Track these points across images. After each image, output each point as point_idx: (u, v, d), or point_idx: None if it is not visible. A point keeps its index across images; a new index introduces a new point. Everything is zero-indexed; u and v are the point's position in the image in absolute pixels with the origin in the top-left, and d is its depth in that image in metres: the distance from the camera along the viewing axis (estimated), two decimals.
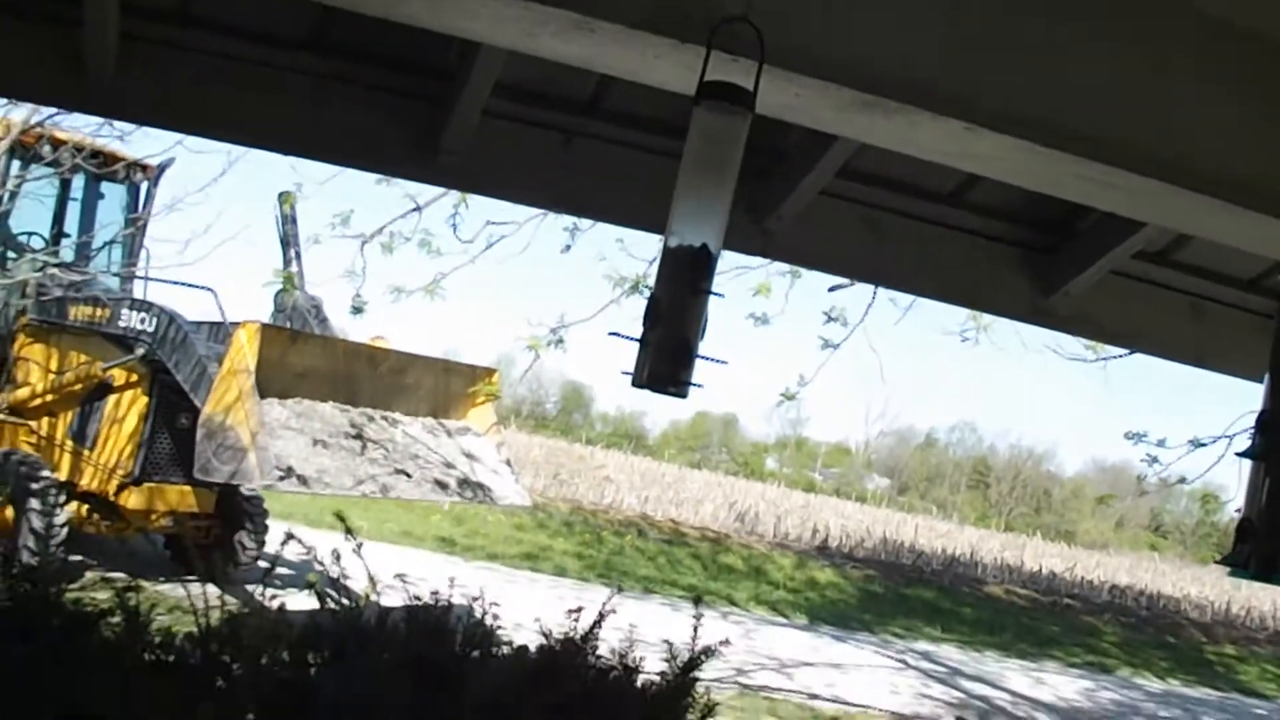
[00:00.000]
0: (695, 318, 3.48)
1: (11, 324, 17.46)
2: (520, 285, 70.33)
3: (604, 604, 5.89)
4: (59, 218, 18.25)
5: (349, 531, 6.23)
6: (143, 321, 16.19)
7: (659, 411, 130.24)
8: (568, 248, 14.09)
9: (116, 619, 5.48)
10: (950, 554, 39.42)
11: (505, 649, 5.82)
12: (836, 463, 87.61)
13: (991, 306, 6.99)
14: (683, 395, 3.50)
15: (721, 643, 6.06)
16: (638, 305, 13.46)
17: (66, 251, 18.05)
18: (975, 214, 5.86)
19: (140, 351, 16.20)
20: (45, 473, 16.31)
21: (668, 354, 3.45)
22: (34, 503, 15.76)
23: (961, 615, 31.78)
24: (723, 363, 3.49)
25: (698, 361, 3.49)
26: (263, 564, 18.06)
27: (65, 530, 15.86)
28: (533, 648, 5.84)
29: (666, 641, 5.96)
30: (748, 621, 25.47)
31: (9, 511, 15.90)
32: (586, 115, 5.13)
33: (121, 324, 16.26)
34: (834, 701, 18.91)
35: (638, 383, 3.47)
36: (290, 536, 6.12)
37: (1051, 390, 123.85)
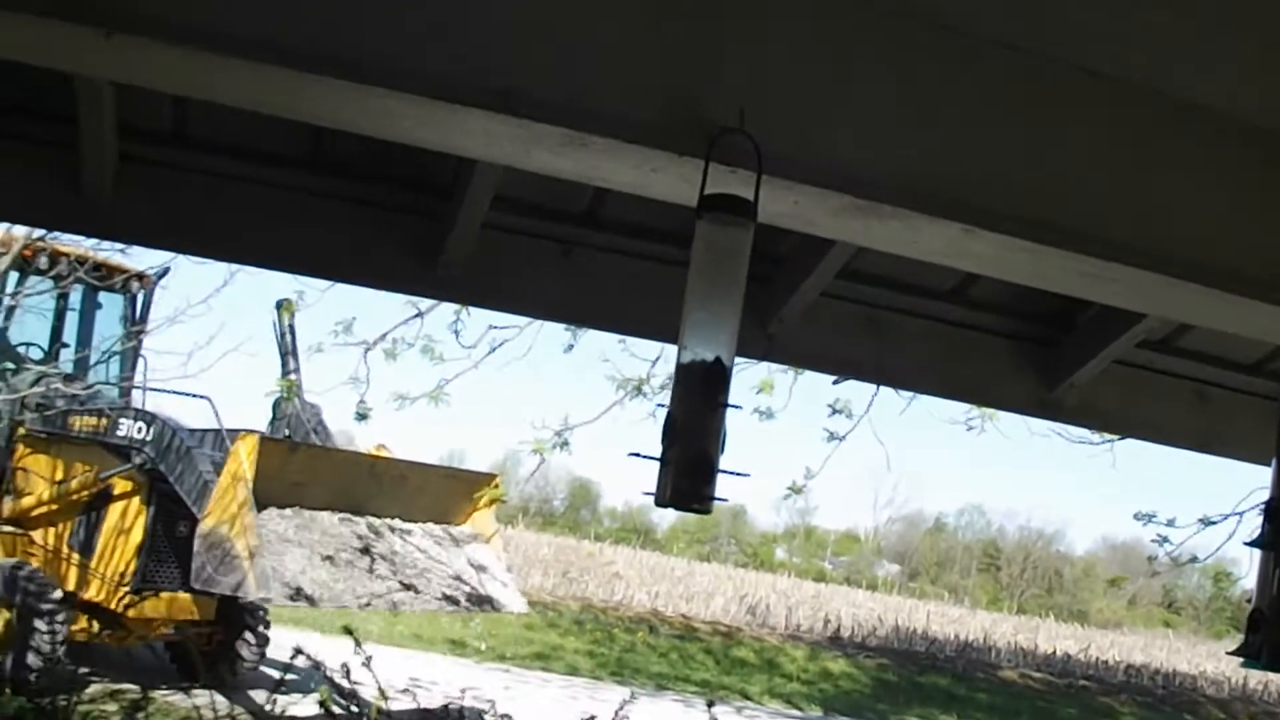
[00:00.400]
0: (714, 432, 3.48)
1: (11, 435, 17.48)
2: (524, 387, 70.36)
3: (617, 711, 5.86)
4: (58, 329, 18.50)
5: (358, 644, 6.21)
6: (140, 431, 16.30)
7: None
8: (570, 348, 14.21)
9: None
10: (963, 639, 39.31)
11: None
12: (846, 550, 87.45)
13: (998, 402, 6.97)
14: (706, 511, 3.50)
15: None
16: (641, 406, 13.54)
17: (66, 363, 18.34)
18: (977, 310, 5.86)
19: (138, 460, 16.30)
20: (54, 592, 16.28)
21: (688, 471, 3.45)
22: (40, 622, 15.82)
23: (976, 701, 31.64)
24: (745, 475, 3.49)
25: (719, 475, 3.49)
26: (265, 670, 18.47)
27: (64, 646, 16.07)
28: None
29: None
30: (762, 716, 25.43)
31: (9, 623, 15.92)
32: (585, 225, 5.15)
33: (121, 433, 16.37)
34: None
35: (660, 502, 3.46)
36: (299, 652, 6.12)
37: (1058, 471, 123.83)
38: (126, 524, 17.07)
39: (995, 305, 5.89)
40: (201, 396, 17.14)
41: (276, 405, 17.19)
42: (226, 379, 17.10)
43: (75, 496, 17.22)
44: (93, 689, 15.61)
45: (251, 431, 15.42)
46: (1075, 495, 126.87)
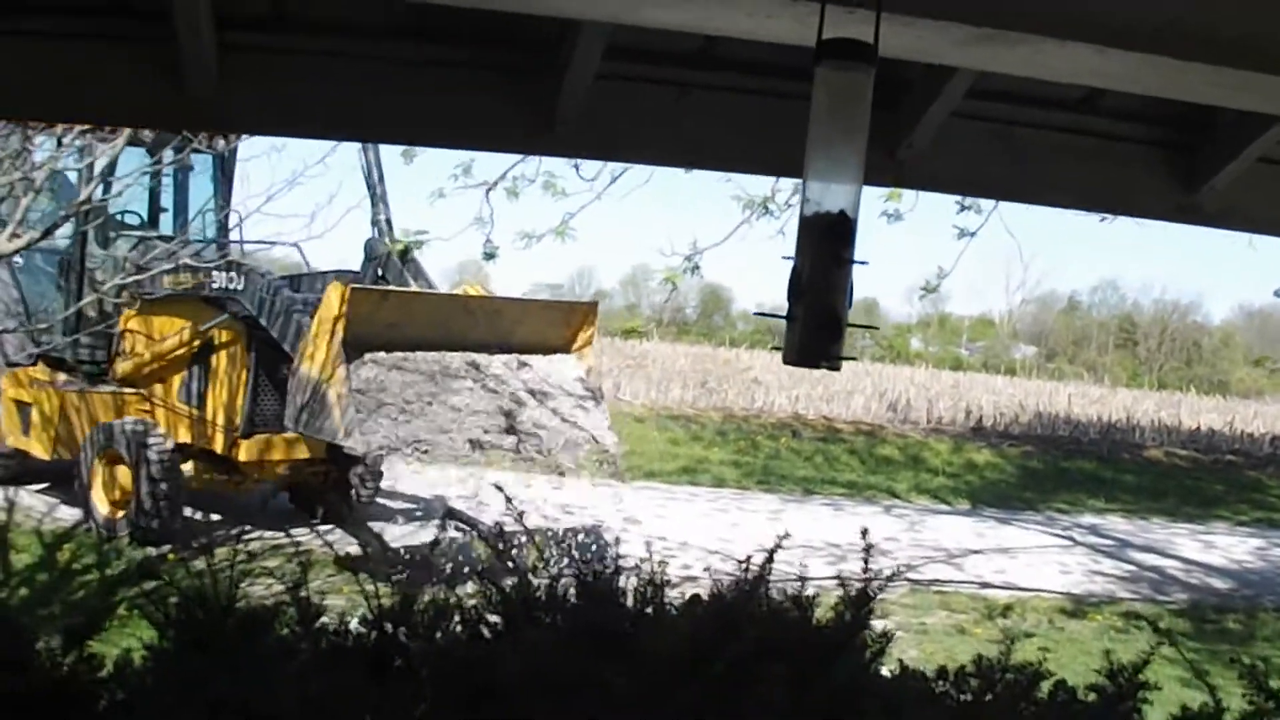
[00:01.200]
0: (840, 289, 3.39)
1: (117, 300, 18.16)
2: (647, 210, 70.32)
3: (773, 548, 5.79)
4: (155, 194, 19.28)
5: (509, 501, 6.18)
6: (231, 281, 17.00)
7: None
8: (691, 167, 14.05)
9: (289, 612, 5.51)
10: (1106, 420, 39.10)
11: (677, 600, 5.75)
12: (981, 336, 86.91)
13: (1135, 210, 6.80)
14: (835, 369, 3.43)
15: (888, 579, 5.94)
16: (768, 226, 13.40)
17: (165, 225, 19.30)
18: (1110, 119, 5.68)
19: (233, 309, 17.16)
20: (157, 436, 17.52)
21: (816, 328, 3.37)
22: (150, 467, 17.08)
23: (1124, 483, 31.54)
24: (874, 329, 3.42)
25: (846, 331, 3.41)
26: (383, 503, 19.65)
27: (181, 493, 17.52)
28: (704, 595, 5.78)
29: (838, 578, 5.84)
30: (910, 513, 25.47)
31: (128, 477, 17.31)
32: (699, 67, 5.03)
33: (214, 286, 17.10)
34: (1005, 588, 18.83)
35: (789, 360, 3.40)
36: (451, 514, 6.09)
37: (1191, 239, 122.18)
38: (231, 372, 18.05)
39: (1129, 113, 5.71)
40: (292, 244, 18.22)
41: (368, 246, 17.42)
42: (353, 235, 17.31)
43: (181, 352, 18.14)
44: (254, 544, 16.13)
45: (345, 273, 16.37)
46: (1210, 263, 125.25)
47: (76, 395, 18.88)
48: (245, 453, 18.19)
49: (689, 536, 19.34)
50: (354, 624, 5.53)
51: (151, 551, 16.46)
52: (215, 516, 18.57)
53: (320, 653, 5.42)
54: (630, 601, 5.62)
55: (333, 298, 14.41)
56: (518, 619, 5.55)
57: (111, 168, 15.93)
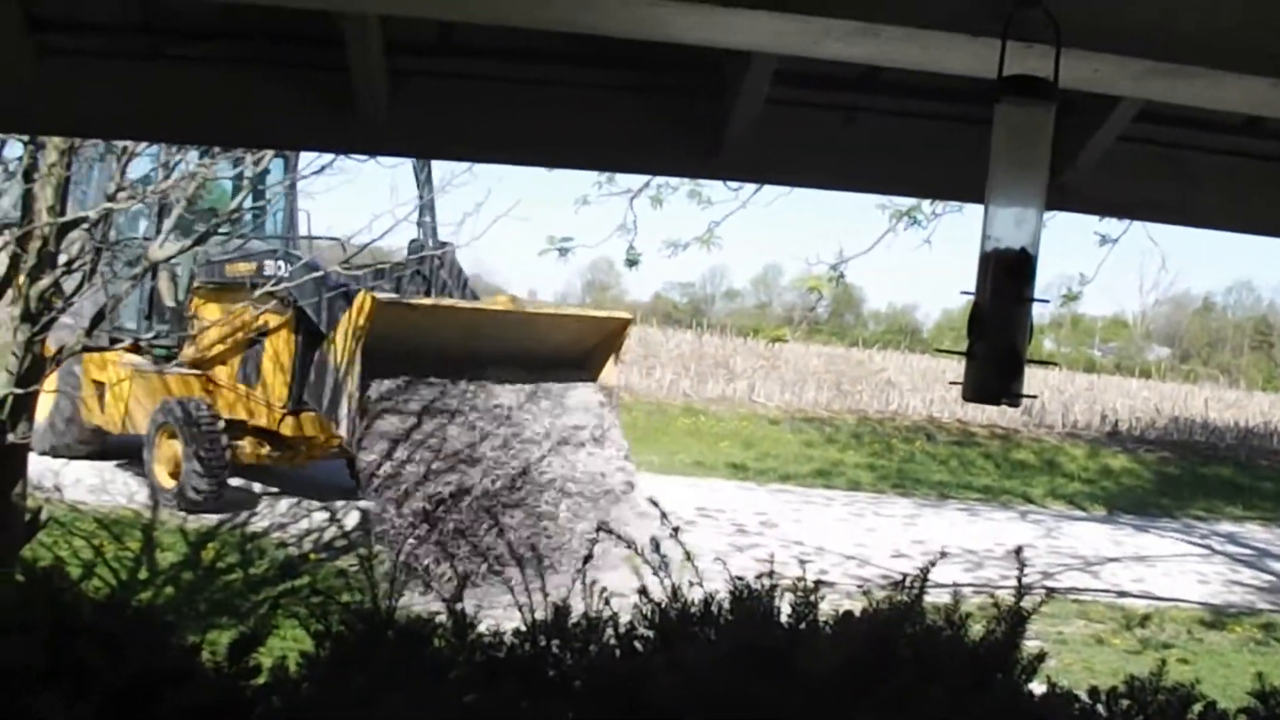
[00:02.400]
0: (1021, 326, 3.40)
1: (189, 289, 20.18)
2: (781, 214, 70.17)
3: (926, 567, 5.76)
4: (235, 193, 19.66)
5: (663, 516, 6.19)
6: (279, 268, 18.44)
7: (931, 302, 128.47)
8: None
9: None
10: (1243, 426, 38.61)
11: (830, 617, 5.73)
12: (1114, 336, 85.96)
13: None
14: (1015, 405, 3.43)
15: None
16: (914, 236, 13.35)
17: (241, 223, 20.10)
18: (1273, 140, 5.62)
19: (281, 296, 17.79)
20: (205, 412, 19.32)
21: (996, 365, 3.38)
22: (198, 441, 19.03)
23: (1262, 490, 31.15)
24: (1054, 365, 3.41)
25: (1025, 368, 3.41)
26: None
27: (227, 464, 19.41)
28: (857, 612, 5.76)
29: (990, 593, 5.81)
30: (1046, 519, 25.26)
31: (177, 452, 19.35)
32: (865, 90, 5.03)
33: (267, 273, 18.28)
34: (1143, 598, 18.62)
35: (968, 396, 3.41)
36: (603, 527, 6.09)
37: None
38: (280, 354, 19.38)
39: None
40: (334, 239, 18.95)
41: (412, 247, 18.86)
42: (500, 244, 18.14)
43: (239, 336, 19.59)
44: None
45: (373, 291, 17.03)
46: None
47: (144, 376, 20.27)
48: (290, 428, 19.59)
49: (825, 541, 19.31)
50: (508, 636, 5.57)
51: (292, 552, 16.71)
52: (257, 487, 21.19)
53: (475, 665, 5.46)
54: (785, 617, 5.62)
55: (361, 306, 16.02)
56: (672, 634, 5.56)
57: (261, 177, 16.30)
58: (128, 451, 21.19)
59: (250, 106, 4.82)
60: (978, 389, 3.41)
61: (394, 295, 17.37)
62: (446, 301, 18.23)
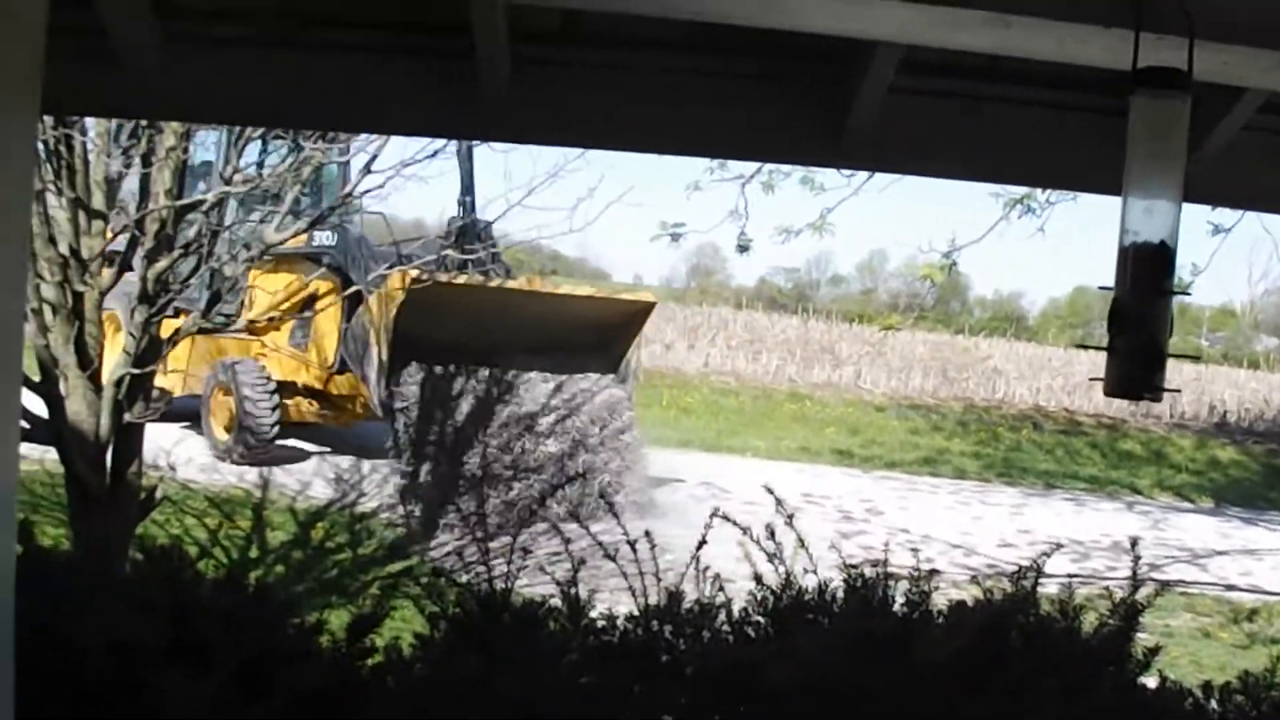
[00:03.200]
0: (1162, 319, 3.37)
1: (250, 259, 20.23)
2: (888, 200, 69.53)
3: (1037, 559, 5.73)
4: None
5: (779, 503, 6.19)
6: (327, 238, 19.75)
7: (1037, 289, 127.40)
8: None
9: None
10: None
11: (942, 606, 5.70)
12: (1222, 326, 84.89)
13: None
14: (1157, 399, 3.41)
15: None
16: (1028, 223, 13.25)
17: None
18: None
19: (326, 261, 19.09)
20: (256, 372, 20.94)
21: (1138, 360, 3.35)
22: (249, 398, 20.73)
23: None
24: (1197, 359, 3.39)
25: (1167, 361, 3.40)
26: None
27: (277, 419, 21.07)
28: (970, 602, 5.74)
29: (1101, 585, 5.77)
30: (1153, 510, 25.01)
31: (231, 409, 21.04)
32: (989, 79, 5.00)
33: (315, 243, 19.51)
34: (1252, 591, 18.38)
35: (1109, 391, 3.39)
36: (718, 514, 6.09)
37: None
38: (327, 318, 20.73)
39: None
40: (376, 213, 20.34)
41: (451, 223, 20.05)
42: (612, 229, 18.53)
43: (290, 302, 20.35)
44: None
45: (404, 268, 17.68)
46: None
47: (204, 340, 21.01)
48: (336, 387, 21.40)
49: (931, 529, 19.21)
50: (621, 620, 5.58)
51: (402, 534, 16.86)
52: (307, 446, 22.77)
53: (589, 649, 5.48)
54: (898, 606, 5.60)
55: (394, 281, 17.36)
56: (786, 622, 5.56)
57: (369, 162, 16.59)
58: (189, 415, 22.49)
59: (375, 93, 4.86)
60: (1120, 383, 3.39)
61: (426, 273, 17.83)
62: (476, 281, 19.05)
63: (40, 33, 3.47)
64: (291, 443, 22.22)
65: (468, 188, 19.93)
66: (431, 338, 18.08)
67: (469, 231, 19.76)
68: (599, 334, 19.72)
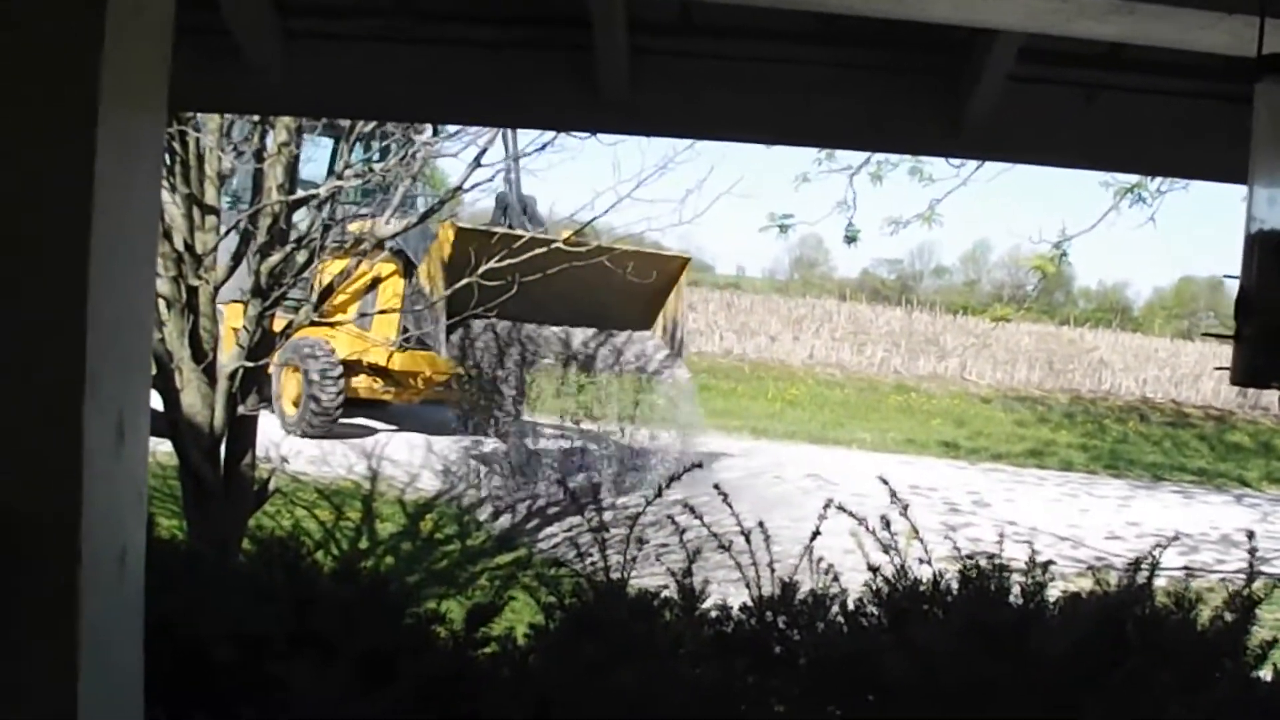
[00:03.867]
0: None
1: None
2: (993, 191, 68.95)
3: (1153, 550, 5.68)
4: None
5: (893, 494, 6.16)
6: (389, 223, 19.12)
7: (1141, 280, 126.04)
8: None
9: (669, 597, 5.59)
10: None
11: (1057, 600, 5.66)
12: None
13: None
14: None
15: None
16: (1138, 213, 13.12)
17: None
18: None
19: (390, 246, 19.04)
20: (322, 350, 21.94)
21: (1265, 348, 3.31)
22: (316, 375, 22.02)
23: None
24: None
25: None
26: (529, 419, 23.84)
27: (341, 396, 22.44)
28: (1083, 594, 5.69)
29: (1224, 581, 5.71)
30: (1263, 503, 24.65)
31: (299, 385, 22.38)
32: (1109, 68, 4.97)
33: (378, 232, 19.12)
34: None
35: (1236, 380, 3.35)
36: (832, 504, 6.08)
37: None
38: (390, 298, 21.23)
39: None
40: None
41: (498, 197, 20.96)
42: (713, 220, 18.80)
43: (356, 284, 20.04)
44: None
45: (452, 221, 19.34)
46: None
47: (271, 320, 21.01)
48: (398, 364, 22.54)
49: (1038, 522, 19.05)
50: (735, 611, 5.59)
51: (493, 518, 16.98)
52: (372, 423, 24.15)
53: (704, 640, 5.49)
54: (1012, 598, 5.57)
55: (445, 234, 18.40)
56: (901, 612, 5.54)
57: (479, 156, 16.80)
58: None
59: (493, 86, 4.89)
60: (1247, 372, 3.35)
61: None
62: (520, 230, 19.45)
63: (168, 32, 3.52)
64: (360, 421, 23.77)
65: (516, 166, 20.08)
66: (480, 287, 18.24)
67: (511, 206, 20.94)
68: (637, 291, 20.51)
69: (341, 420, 22.99)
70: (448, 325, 19.80)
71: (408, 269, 21.37)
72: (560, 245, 18.95)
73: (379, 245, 18.88)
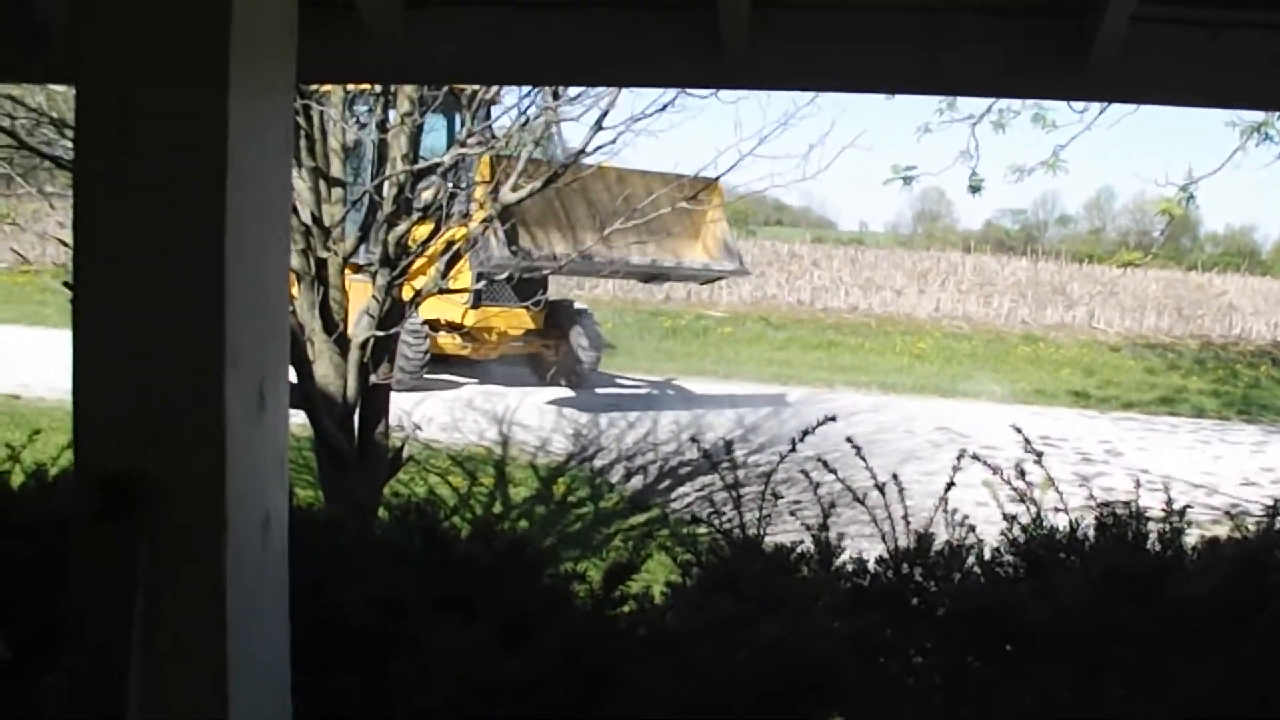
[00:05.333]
0: None
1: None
2: (1113, 136, 68.02)
3: None
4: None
5: (1027, 442, 6.15)
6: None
7: (1271, 224, 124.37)
8: None
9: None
10: None
11: (1195, 544, 5.62)
12: None
13: None
14: None
15: None
16: (1265, 152, 12.93)
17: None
18: None
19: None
20: (415, 317, 21.01)
21: None
22: (405, 340, 21.35)
23: None
24: None
25: None
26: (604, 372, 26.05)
27: (426, 353, 23.14)
28: (1222, 537, 5.65)
29: None
30: None
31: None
32: (1231, 5, 4.91)
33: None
34: None
35: None
36: (966, 455, 6.07)
37: None
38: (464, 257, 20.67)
39: None
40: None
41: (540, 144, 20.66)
42: (836, 175, 18.78)
43: (435, 246, 20.82)
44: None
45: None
46: None
47: (355, 283, 21.81)
48: (473, 320, 23.89)
49: (1172, 469, 18.86)
50: (871, 564, 5.60)
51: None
52: (454, 378, 24.90)
53: (841, 593, 5.50)
54: (1150, 545, 5.54)
55: (484, 166, 17.85)
56: (1038, 561, 5.53)
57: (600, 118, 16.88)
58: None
59: (617, 47, 4.89)
60: None
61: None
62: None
63: (292, 5, 3.57)
64: (444, 376, 24.61)
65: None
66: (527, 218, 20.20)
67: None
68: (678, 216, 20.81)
69: (425, 376, 23.74)
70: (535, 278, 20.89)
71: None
72: (604, 169, 19.86)
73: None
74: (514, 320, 24.61)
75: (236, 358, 3.28)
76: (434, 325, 23.57)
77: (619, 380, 26.27)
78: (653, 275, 24.59)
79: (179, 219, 3.24)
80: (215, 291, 3.23)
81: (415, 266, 21.03)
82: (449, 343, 24.42)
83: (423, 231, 18.78)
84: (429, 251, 17.71)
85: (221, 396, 3.24)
